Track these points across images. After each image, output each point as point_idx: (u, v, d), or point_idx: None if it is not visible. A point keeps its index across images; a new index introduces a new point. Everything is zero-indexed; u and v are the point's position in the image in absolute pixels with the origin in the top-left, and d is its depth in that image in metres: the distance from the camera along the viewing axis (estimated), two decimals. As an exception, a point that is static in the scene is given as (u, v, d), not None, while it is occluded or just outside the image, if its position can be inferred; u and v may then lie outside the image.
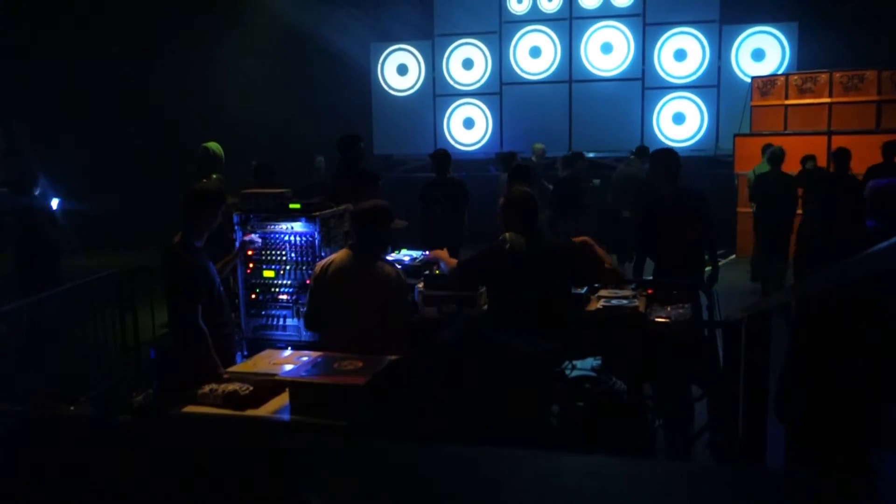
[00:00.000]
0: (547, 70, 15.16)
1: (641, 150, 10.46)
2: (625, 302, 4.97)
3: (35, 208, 7.51)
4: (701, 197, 5.86)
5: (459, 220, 8.08)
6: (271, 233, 5.32)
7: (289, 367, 3.59)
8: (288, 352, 4.24)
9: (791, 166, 9.37)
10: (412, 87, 15.93)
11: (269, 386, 3.53)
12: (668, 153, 5.97)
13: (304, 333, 5.12)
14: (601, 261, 4.47)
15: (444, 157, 8.17)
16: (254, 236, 5.21)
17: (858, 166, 8.87)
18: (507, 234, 4.25)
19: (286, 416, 3.36)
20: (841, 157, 8.71)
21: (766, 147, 9.80)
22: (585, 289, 5.10)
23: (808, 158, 9.65)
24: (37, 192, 7.56)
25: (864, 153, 8.97)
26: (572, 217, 8.75)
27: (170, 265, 4.32)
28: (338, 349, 3.93)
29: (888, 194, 4.14)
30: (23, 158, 11.19)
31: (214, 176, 6.66)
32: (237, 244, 5.24)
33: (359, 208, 4.41)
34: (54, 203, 8.16)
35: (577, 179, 9.36)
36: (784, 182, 8.99)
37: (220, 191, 4.50)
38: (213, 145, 6.92)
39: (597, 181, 10.08)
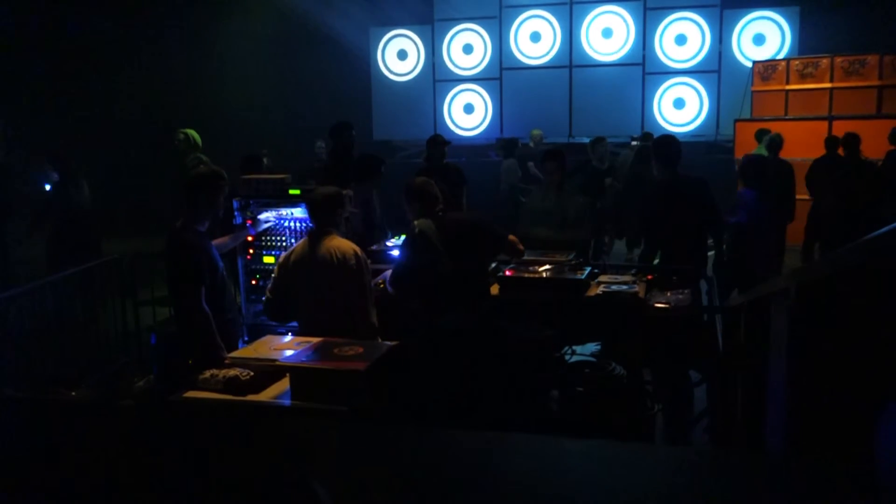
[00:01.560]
0: (547, 55, 15.09)
1: (646, 137, 10.45)
2: (625, 287, 4.98)
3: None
4: (701, 182, 5.84)
5: (459, 205, 8.07)
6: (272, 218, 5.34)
7: (289, 352, 3.60)
8: (288, 337, 4.25)
9: (790, 152, 9.33)
10: (412, 73, 15.86)
11: (269, 371, 3.53)
12: (666, 140, 5.98)
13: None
14: (503, 233, 4.69)
15: (440, 142, 8.13)
16: (269, 214, 5.28)
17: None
18: (416, 222, 4.46)
19: (287, 402, 3.37)
20: (850, 142, 8.64)
21: (762, 132, 9.75)
22: (586, 273, 5.11)
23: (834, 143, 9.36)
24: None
25: (866, 138, 8.92)
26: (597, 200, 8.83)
27: (172, 249, 4.34)
28: (309, 335, 4.00)
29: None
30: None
31: (205, 158, 6.93)
32: (249, 229, 5.28)
33: (311, 195, 4.54)
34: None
35: (590, 163, 9.38)
36: (782, 169, 8.96)
37: (218, 174, 4.51)
38: (191, 131, 7.60)
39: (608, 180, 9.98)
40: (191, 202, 4.38)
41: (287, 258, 4.40)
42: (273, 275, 4.50)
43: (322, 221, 4.41)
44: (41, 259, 7.87)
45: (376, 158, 6.74)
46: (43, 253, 7.80)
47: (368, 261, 4.46)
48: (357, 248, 4.36)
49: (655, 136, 8.04)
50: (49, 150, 8.53)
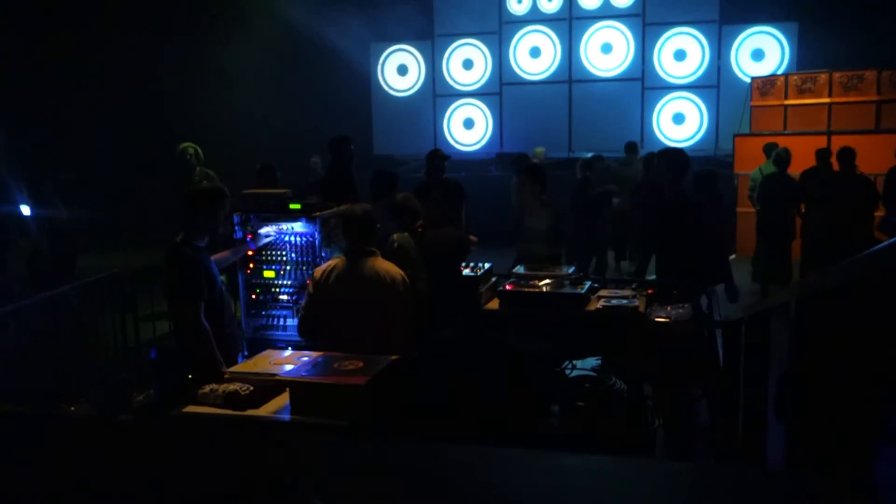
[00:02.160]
0: (547, 70, 15.16)
1: (630, 147, 10.55)
2: (625, 302, 4.98)
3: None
4: (699, 201, 5.90)
5: (458, 220, 8.08)
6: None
7: (289, 367, 3.60)
8: (288, 352, 4.24)
9: (792, 167, 9.35)
10: (412, 88, 15.92)
11: (269, 386, 3.53)
12: (671, 153, 6.01)
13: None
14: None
15: (440, 157, 8.13)
16: (269, 228, 5.26)
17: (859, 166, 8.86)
18: (394, 236, 4.51)
19: (286, 416, 3.36)
20: (846, 156, 8.66)
21: (770, 146, 9.77)
22: (586, 288, 5.11)
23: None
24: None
25: (865, 153, 8.95)
26: (592, 219, 8.87)
27: (172, 264, 4.35)
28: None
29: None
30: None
31: (212, 173, 6.97)
32: (249, 244, 5.27)
33: (347, 213, 4.43)
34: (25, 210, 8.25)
35: (587, 182, 9.43)
36: (788, 185, 8.98)
37: (220, 191, 4.52)
38: (193, 145, 7.74)
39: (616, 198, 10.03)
40: (190, 217, 4.39)
41: (325, 276, 4.27)
42: (308, 292, 4.38)
43: (363, 241, 4.30)
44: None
45: (391, 174, 6.73)
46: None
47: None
48: (404, 274, 4.28)
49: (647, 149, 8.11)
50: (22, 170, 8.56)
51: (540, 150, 11.69)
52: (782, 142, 10.30)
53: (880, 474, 1.79)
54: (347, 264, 4.26)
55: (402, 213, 4.61)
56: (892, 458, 1.78)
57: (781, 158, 9.03)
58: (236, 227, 5.36)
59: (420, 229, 4.57)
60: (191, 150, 7.68)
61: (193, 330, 4.20)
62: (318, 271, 4.38)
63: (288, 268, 5.33)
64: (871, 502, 1.56)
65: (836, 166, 8.79)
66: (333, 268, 4.29)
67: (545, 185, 6.31)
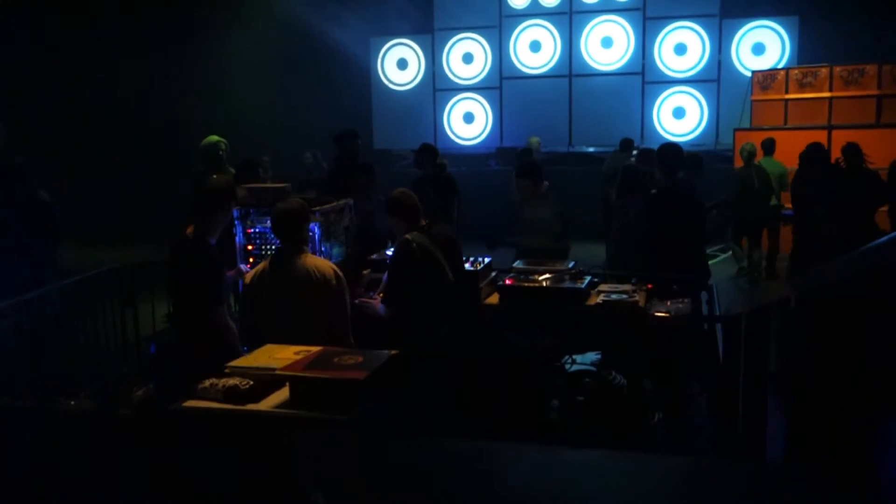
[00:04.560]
0: (547, 64, 15.12)
1: (626, 144, 10.60)
2: (625, 297, 4.98)
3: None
4: (694, 192, 5.92)
5: (449, 215, 8.05)
6: (270, 228, 5.32)
7: (289, 361, 3.59)
8: (289, 346, 4.23)
9: (790, 160, 9.33)
10: (412, 82, 15.89)
11: (268, 380, 3.52)
12: (663, 147, 6.08)
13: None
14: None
15: (427, 150, 8.11)
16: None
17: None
18: (408, 236, 4.44)
19: (286, 411, 3.35)
20: (852, 152, 8.62)
21: (768, 142, 9.93)
22: (586, 283, 5.11)
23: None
24: None
25: (865, 147, 8.92)
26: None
27: (196, 263, 4.29)
28: None
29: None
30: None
31: (232, 170, 6.79)
32: (237, 238, 5.24)
33: (276, 211, 4.28)
34: None
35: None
36: (761, 177, 9.26)
37: (232, 187, 4.52)
38: (223, 139, 7.16)
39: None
40: (208, 213, 4.34)
41: (256, 280, 4.18)
42: (241, 298, 4.32)
43: (291, 238, 4.20)
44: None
45: (367, 166, 6.77)
46: None
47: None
48: (336, 267, 4.22)
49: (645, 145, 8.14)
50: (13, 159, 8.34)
51: (535, 139, 11.77)
52: (783, 136, 10.32)
53: (880, 467, 1.79)
54: (274, 266, 4.16)
55: (403, 209, 4.56)
56: (893, 451, 1.78)
57: (746, 151, 9.48)
58: (236, 222, 5.35)
59: (427, 227, 4.54)
60: (223, 146, 7.17)
61: (222, 329, 4.19)
62: (247, 276, 4.28)
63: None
64: (870, 496, 1.56)
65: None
66: (262, 271, 4.20)
67: (541, 177, 6.46)
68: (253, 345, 4.16)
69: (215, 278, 4.25)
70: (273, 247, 5.32)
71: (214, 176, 5.99)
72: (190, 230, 4.38)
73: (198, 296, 4.29)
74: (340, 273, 4.20)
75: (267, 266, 4.22)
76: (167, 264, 4.60)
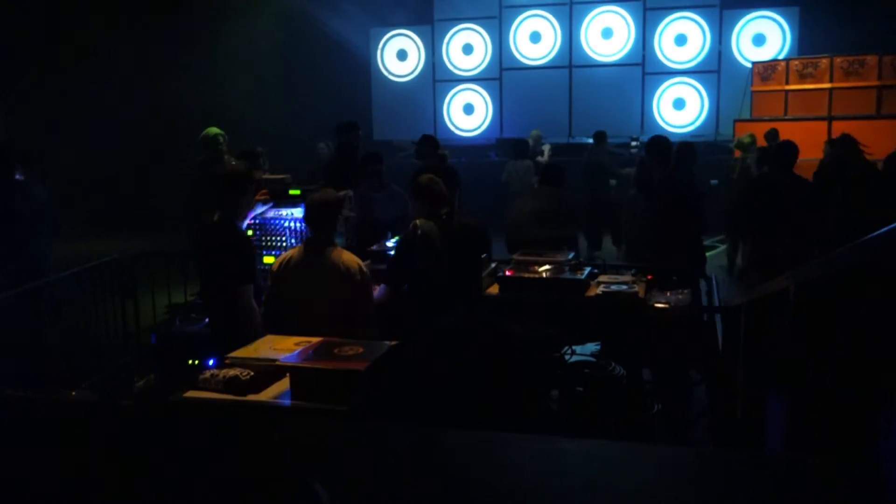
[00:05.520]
0: (547, 55, 15.09)
1: (599, 136, 10.66)
2: (624, 287, 4.98)
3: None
4: (690, 182, 5.92)
5: (451, 205, 8.03)
6: (271, 218, 5.33)
7: (289, 352, 3.60)
8: (289, 337, 4.24)
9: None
10: (412, 73, 15.86)
11: (269, 371, 3.53)
12: (655, 140, 6.11)
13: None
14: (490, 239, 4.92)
15: (427, 141, 8.09)
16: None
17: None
18: (417, 222, 4.43)
19: (287, 402, 3.36)
20: (847, 143, 8.60)
21: (771, 133, 9.95)
22: (586, 273, 5.11)
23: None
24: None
25: (865, 139, 8.92)
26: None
27: (230, 247, 4.35)
28: None
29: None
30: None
31: (234, 161, 6.85)
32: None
33: (310, 201, 4.34)
34: None
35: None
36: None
37: (252, 172, 4.62)
38: (221, 131, 7.27)
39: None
40: (232, 199, 4.42)
41: (283, 269, 4.23)
42: (268, 285, 4.36)
43: (324, 229, 4.27)
44: None
45: (373, 155, 6.74)
46: None
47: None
48: (361, 263, 4.28)
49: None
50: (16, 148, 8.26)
51: (536, 132, 11.79)
52: (783, 127, 10.31)
53: (882, 459, 1.80)
54: (305, 256, 4.21)
55: (425, 195, 4.54)
56: (893, 443, 1.79)
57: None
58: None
59: (444, 217, 4.52)
60: (221, 138, 7.29)
61: (249, 312, 4.27)
62: (275, 264, 4.35)
63: (288, 253, 5.32)
64: (869, 486, 1.57)
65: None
66: (290, 259, 4.25)
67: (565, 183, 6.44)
68: (273, 331, 4.24)
69: (246, 260, 4.33)
70: (276, 237, 5.35)
71: (234, 161, 6.14)
72: (216, 216, 4.43)
73: (228, 277, 4.36)
74: (366, 269, 4.25)
75: (296, 254, 4.27)
76: (193, 251, 4.71)
